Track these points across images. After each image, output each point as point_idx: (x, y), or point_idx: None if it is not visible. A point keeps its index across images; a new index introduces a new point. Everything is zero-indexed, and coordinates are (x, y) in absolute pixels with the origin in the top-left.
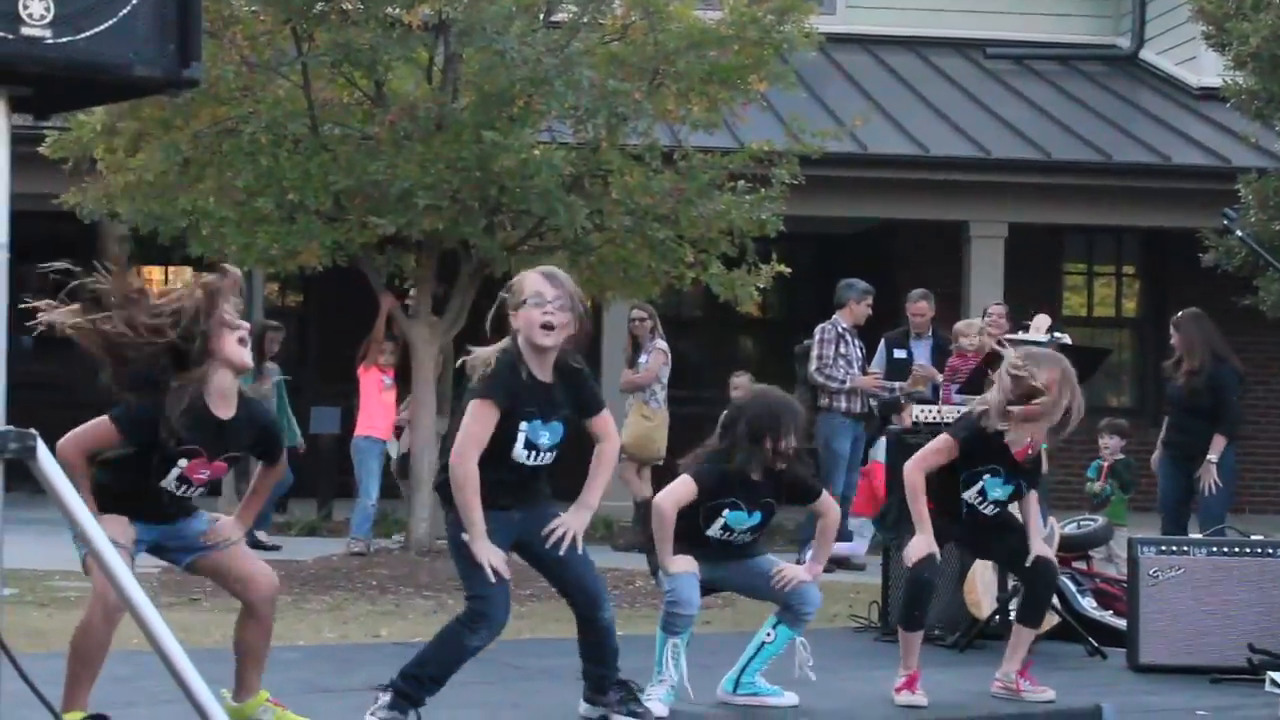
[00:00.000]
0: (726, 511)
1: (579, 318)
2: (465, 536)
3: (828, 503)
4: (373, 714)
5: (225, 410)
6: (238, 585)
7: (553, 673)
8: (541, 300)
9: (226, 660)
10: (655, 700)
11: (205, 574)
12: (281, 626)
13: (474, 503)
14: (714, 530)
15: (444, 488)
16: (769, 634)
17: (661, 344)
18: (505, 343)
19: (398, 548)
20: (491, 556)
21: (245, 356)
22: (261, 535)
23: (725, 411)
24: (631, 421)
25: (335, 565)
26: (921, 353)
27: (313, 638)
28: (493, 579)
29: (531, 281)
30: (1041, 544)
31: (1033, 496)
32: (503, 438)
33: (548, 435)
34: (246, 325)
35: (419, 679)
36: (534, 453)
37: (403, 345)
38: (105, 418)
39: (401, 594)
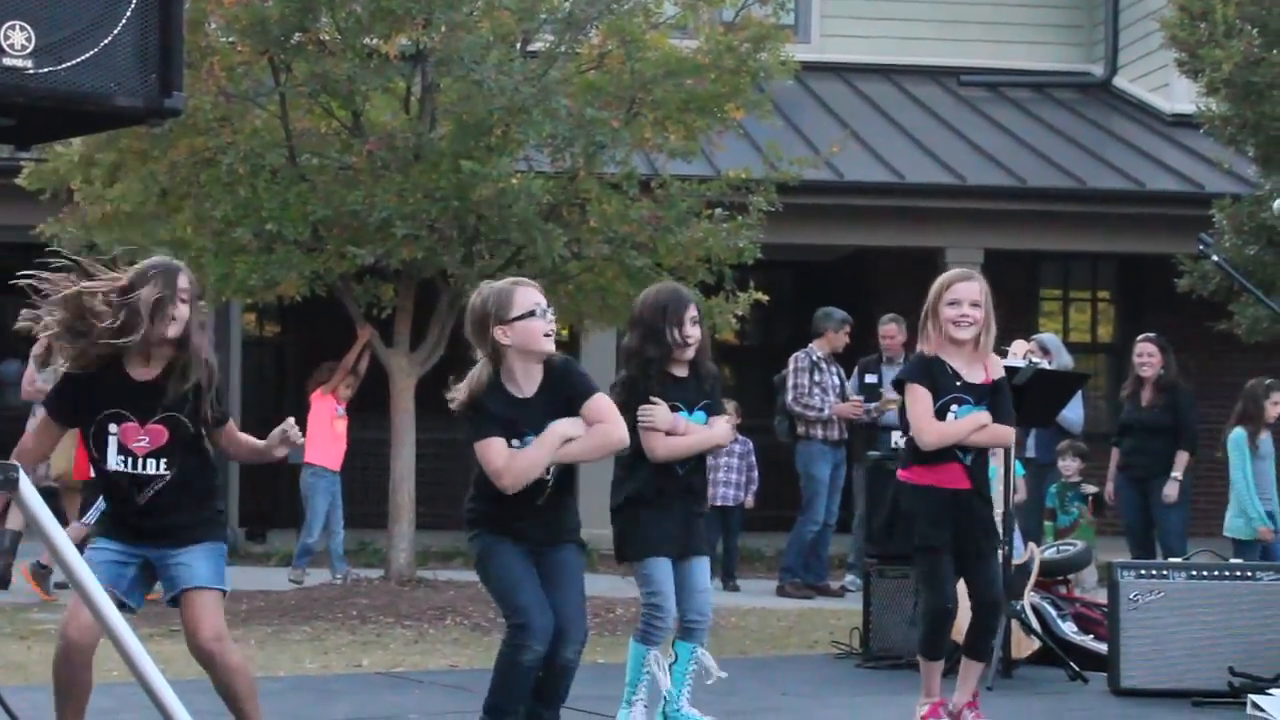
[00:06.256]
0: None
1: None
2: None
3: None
4: None
5: (145, 373)
6: (185, 628)
7: None
8: (543, 310)
9: (208, 692)
10: None
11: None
12: (263, 657)
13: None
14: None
15: (471, 515)
16: (672, 654)
17: None
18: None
19: (378, 578)
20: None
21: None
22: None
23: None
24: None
25: (315, 596)
26: (892, 376)
27: (293, 668)
28: None
29: (522, 295)
30: None
31: None
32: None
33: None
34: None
35: (498, 709)
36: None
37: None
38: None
39: (382, 624)
